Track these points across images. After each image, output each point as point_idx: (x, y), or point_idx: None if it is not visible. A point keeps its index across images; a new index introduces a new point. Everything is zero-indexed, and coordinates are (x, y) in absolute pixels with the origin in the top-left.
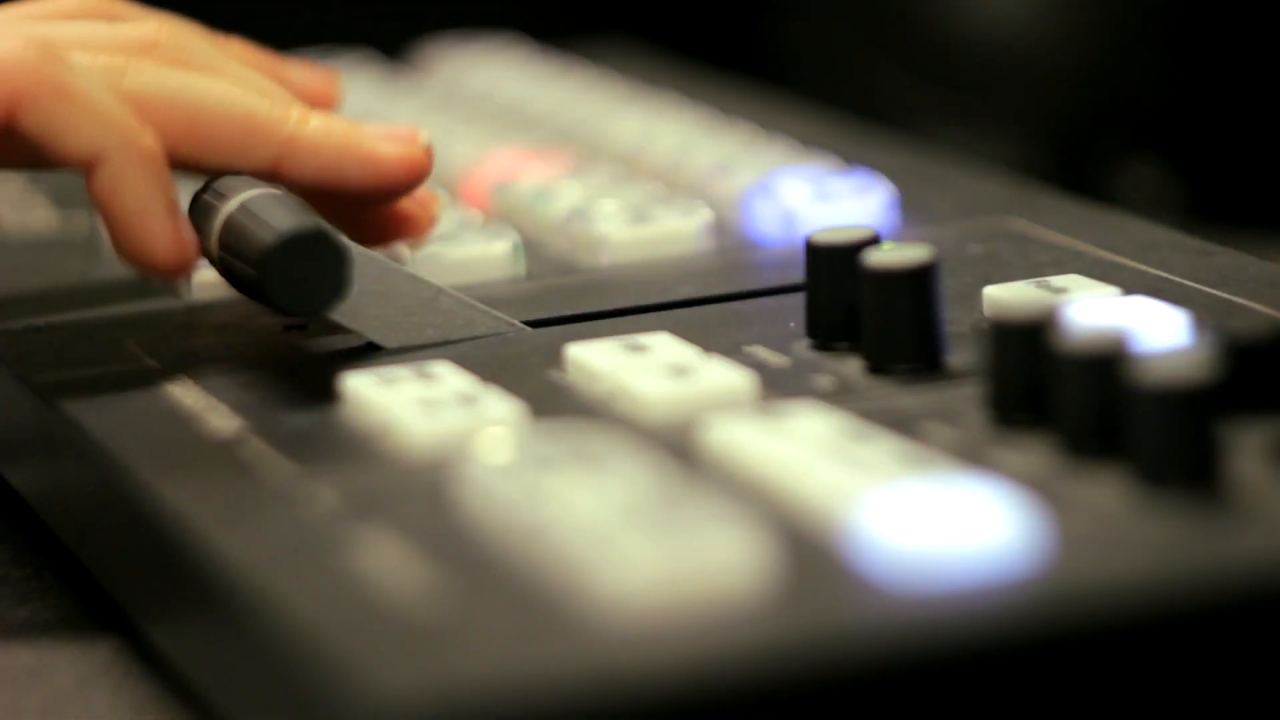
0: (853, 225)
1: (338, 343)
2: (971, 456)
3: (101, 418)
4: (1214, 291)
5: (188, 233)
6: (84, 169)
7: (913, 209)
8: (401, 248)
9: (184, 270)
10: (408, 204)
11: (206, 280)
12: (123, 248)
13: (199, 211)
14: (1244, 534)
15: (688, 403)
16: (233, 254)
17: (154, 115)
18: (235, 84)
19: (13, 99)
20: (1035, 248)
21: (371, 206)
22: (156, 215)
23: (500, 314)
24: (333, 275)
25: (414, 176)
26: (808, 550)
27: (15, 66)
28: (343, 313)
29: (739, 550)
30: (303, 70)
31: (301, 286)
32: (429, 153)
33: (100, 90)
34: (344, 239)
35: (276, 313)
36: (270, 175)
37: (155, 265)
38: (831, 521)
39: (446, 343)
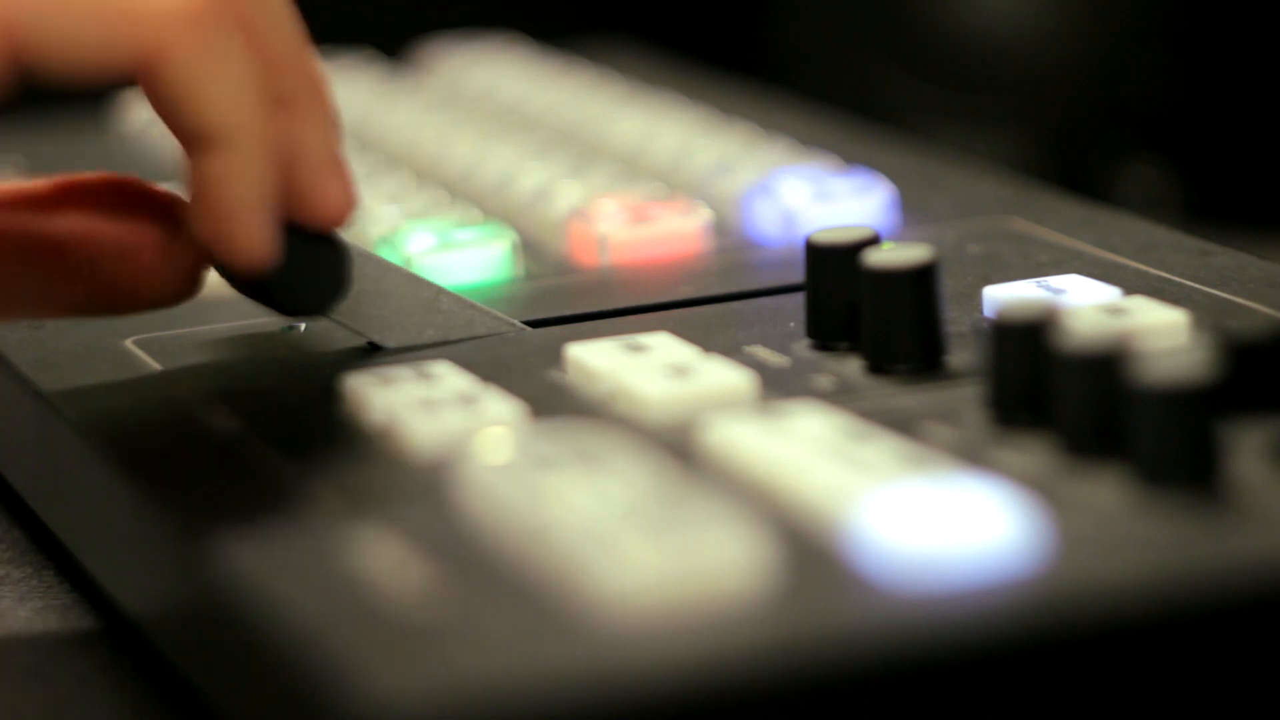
0: (853, 225)
1: (338, 343)
2: (971, 456)
3: (101, 418)
4: (1214, 291)
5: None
6: (200, 144)
7: (913, 209)
8: (403, 251)
9: (264, 267)
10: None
11: (206, 280)
12: (213, 238)
13: None
14: (1244, 534)
15: (688, 403)
16: None
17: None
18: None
19: (162, 49)
20: (1035, 248)
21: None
22: (261, 212)
23: (500, 314)
24: (333, 275)
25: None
26: (808, 550)
27: (174, 15)
28: (342, 313)
29: (739, 550)
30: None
31: (301, 286)
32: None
33: (247, 65)
34: (344, 239)
35: (277, 313)
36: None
37: (244, 262)
38: (831, 521)
39: (446, 343)
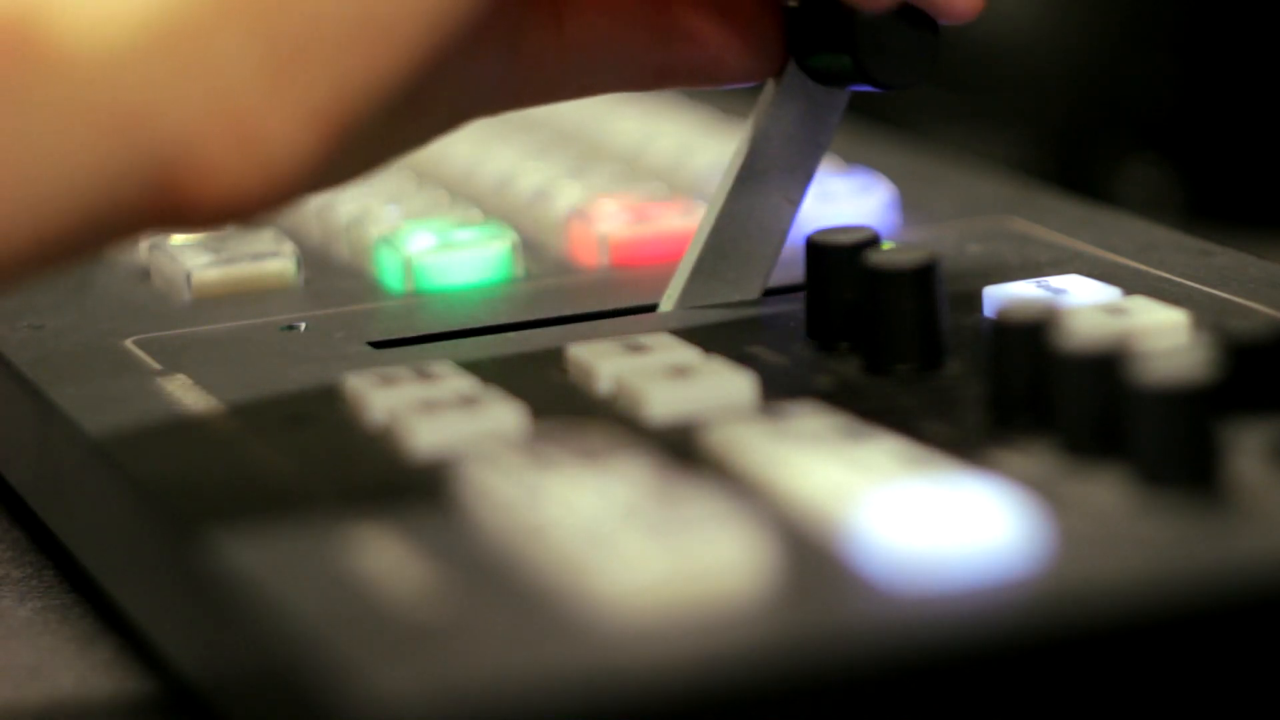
0: (853, 225)
1: (338, 343)
2: (971, 456)
3: (101, 418)
4: (1214, 291)
5: None
6: None
7: (913, 209)
8: (404, 251)
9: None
10: None
11: (207, 280)
12: None
13: None
14: (1244, 534)
15: (688, 403)
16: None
17: None
18: None
19: None
20: (1035, 248)
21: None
22: None
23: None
24: (925, 55)
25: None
26: (808, 550)
27: None
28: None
29: (739, 550)
30: None
31: (892, 56)
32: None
33: None
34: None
35: (863, 81)
36: None
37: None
38: (831, 521)
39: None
